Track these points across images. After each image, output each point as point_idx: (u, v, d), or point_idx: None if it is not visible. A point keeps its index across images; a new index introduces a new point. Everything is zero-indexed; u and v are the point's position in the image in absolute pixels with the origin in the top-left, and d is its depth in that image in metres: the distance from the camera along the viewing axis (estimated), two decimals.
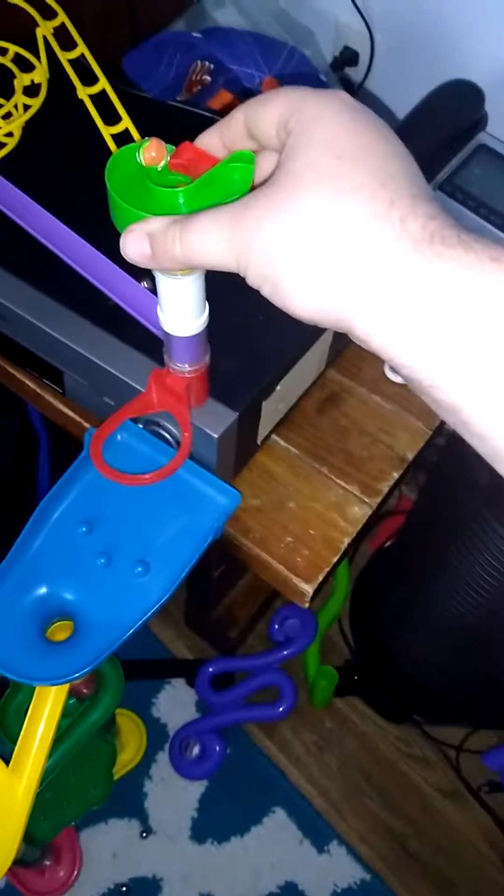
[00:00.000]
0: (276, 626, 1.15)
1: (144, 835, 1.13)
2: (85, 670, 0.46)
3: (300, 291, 0.28)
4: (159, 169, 0.33)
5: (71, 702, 0.70)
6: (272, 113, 0.31)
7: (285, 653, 1.09)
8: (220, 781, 1.17)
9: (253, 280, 0.29)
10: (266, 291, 0.29)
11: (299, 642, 1.09)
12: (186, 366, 0.44)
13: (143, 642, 1.25)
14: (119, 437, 0.51)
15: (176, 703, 1.22)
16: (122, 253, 0.32)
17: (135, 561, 0.48)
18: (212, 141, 0.34)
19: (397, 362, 0.26)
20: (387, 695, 1.23)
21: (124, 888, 1.09)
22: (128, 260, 0.32)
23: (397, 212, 0.26)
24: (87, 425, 0.59)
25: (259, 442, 0.59)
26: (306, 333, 0.55)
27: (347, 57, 0.88)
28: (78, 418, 0.60)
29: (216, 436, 0.48)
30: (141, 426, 0.51)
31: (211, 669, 1.13)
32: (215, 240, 0.29)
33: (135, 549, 0.49)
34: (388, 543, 1.28)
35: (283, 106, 0.30)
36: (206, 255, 0.30)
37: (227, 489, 0.50)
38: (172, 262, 0.31)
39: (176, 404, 0.46)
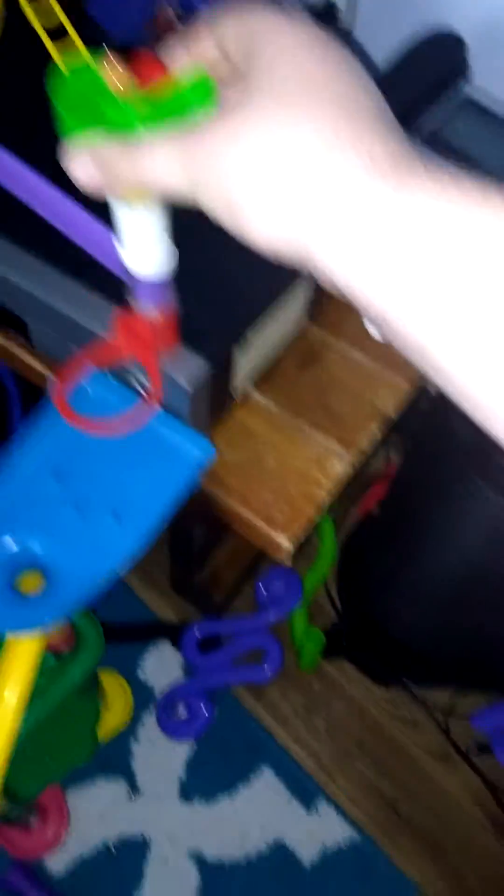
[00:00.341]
0: (262, 589, 1.14)
1: (132, 795, 1.13)
2: (54, 619, 0.45)
3: (258, 218, 0.26)
4: (119, 91, 0.31)
5: (51, 664, 0.70)
6: (237, 31, 0.29)
7: (271, 615, 1.09)
8: (207, 742, 1.17)
9: (208, 206, 0.28)
10: (223, 218, 0.28)
11: (285, 605, 1.09)
12: (152, 307, 0.42)
13: (128, 605, 1.25)
14: (90, 390, 0.50)
15: (162, 666, 1.22)
16: (67, 173, 0.31)
17: (106, 512, 0.48)
18: (178, 55, 0.32)
19: (358, 297, 0.26)
20: (375, 657, 1.24)
21: (112, 847, 1.10)
22: (75, 183, 0.31)
23: (363, 142, 0.25)
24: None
25: (234, 395, 0.58)
26: (280, 280, 0.53)
27: (327, 10, 0.85)
28: (47, 372, 0.59)
29: (186, 384, 0.47)
30: (113, 379, 0.50)
31: (197, 632, 1.13)
32: (169, 162, 0.28)
33: (106, 499, 0.48)
34: (375, 509, 1.27)
35: (249, 26, 0.29)
36: (158, 178, 0.29)
37: (199, 439, 0.49)
38: (123, 185, 0.30)
39: (143, 350, 0.45)
